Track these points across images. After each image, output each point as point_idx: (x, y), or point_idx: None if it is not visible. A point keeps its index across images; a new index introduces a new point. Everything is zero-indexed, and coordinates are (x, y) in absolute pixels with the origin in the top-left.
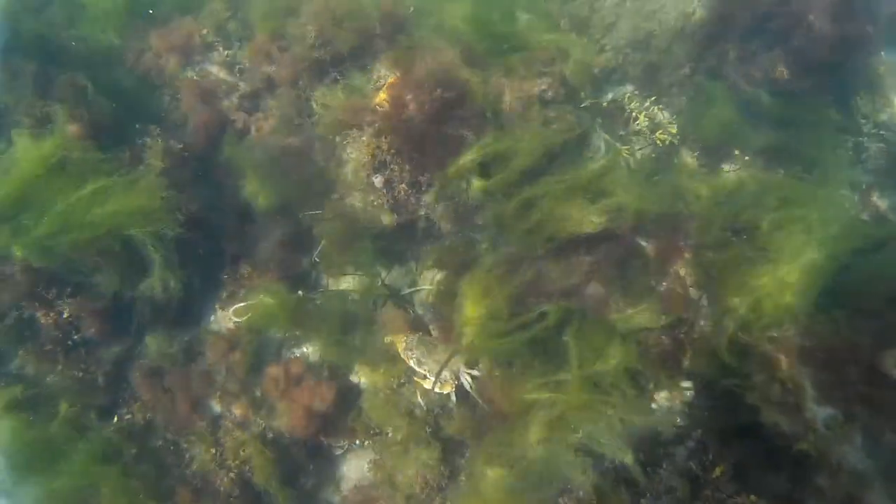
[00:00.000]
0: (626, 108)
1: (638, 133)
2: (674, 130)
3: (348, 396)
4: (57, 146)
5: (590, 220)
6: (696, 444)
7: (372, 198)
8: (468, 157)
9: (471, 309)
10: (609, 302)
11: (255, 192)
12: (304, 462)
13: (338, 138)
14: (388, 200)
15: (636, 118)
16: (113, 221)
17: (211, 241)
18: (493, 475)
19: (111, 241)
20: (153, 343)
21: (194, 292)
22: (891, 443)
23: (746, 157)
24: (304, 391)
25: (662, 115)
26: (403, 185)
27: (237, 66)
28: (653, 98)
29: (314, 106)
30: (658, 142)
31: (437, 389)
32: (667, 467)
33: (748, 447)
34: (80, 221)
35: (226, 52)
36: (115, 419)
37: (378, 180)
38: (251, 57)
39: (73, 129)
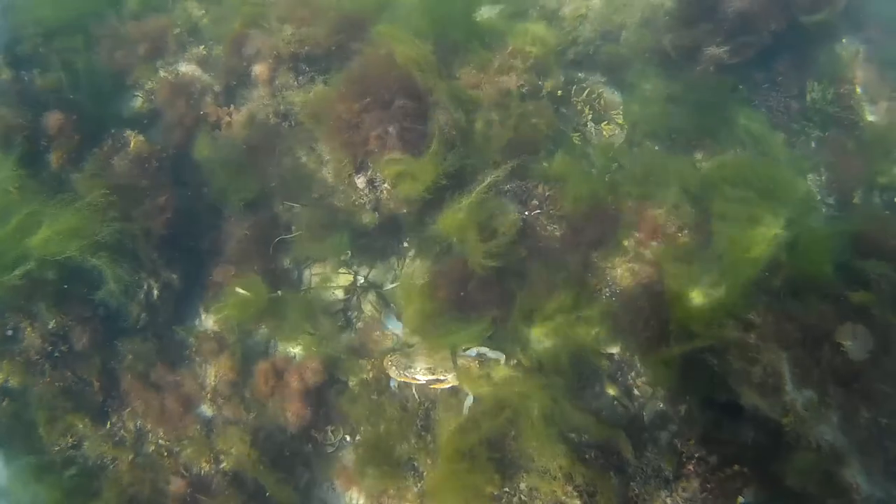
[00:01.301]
0: (573, 99)
1: (585, 125)
2: (620, 121)
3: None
4: None
5: None
6: (678, 426)
7: (354, 197)
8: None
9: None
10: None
11: (224, 188)
12: (298, 457)
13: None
14: (370, 200)
15: (583, 110)
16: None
17: (193, 240)
18: None
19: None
20: (141, 347)
21: (181, 293)
22: (865, 420)
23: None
24: (292, 375)
25: (609, 104)
26: (387, 185)
27: (211, 64)
28: (600, 89)
29: (291, 103)
30: (605, 133)
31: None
32: (652, 450)
33: (729, 426)
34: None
35: (201, 49)
36: (108, 426)
37: (360, 180)
38: (226, 54)
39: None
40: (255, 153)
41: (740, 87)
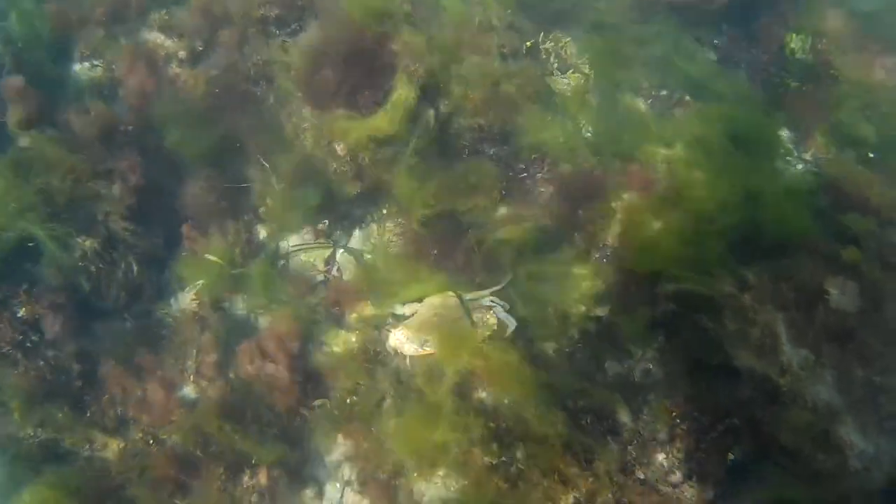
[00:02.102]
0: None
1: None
2: (586, 71)
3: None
4: None
5: None
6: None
7: (335, 165)
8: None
9: None
10: None
11: (179, 142)
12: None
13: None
14: (351, 168)
15: (548, 59)
16: None
17: (165, 210)
18: None
19: None
20: (121, 330)
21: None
22: (859, 378)
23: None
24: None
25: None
26: (367, 154)
27: (175, 29)
28: (566, 39)
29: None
30: (570, 81)
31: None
32: (647, 412)
33: (721, 386)
34: None
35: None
36: (88, 414)
37: (340, 147)
38: (192, 18)
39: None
40: (221, 113)
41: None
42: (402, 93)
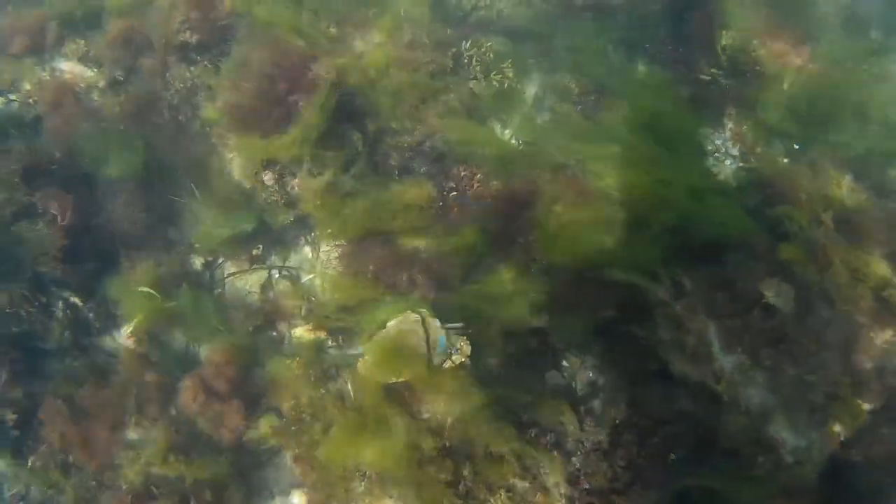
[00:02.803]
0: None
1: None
2: (510, 75)
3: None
4: None
5: None
6: (608, 393)
7: (264, 195)
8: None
9: None
10: None
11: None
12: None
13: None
14: (282, 197)
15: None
16: None
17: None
18: None
19: None
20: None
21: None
22: (791, 377)
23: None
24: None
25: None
26: (297, 181)
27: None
28: (489, 43)
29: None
30: (494, 83)
31: None
32: (589, 422)
33: (659, 392)
34: None
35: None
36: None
37: (268, 177)
38: (111, 47)
39: None
40: (148, 140)
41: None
42: (312, 114)
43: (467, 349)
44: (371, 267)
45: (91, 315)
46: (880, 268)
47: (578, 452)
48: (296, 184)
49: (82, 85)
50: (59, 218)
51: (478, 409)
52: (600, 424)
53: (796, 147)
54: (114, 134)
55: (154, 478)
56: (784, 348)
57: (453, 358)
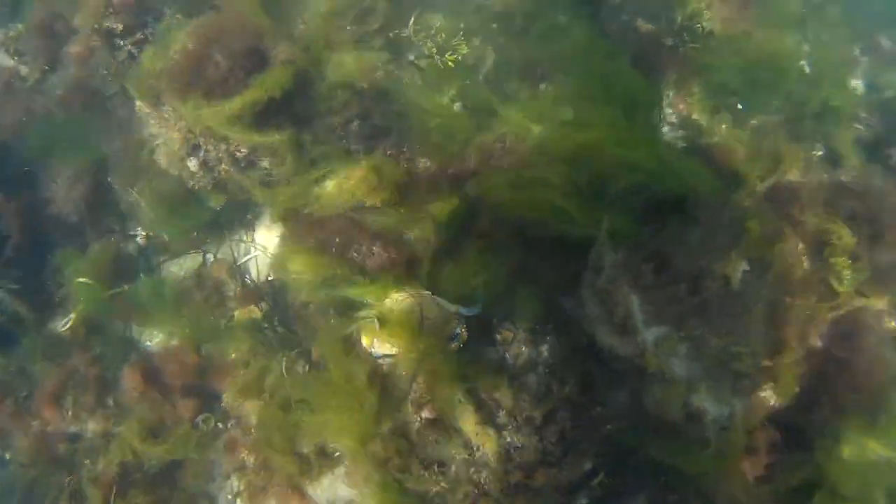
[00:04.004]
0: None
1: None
2: (464, 50)
3: None
4: None
5: None
6: (544, 369)
7: (192, 182)
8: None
9: None
10: None
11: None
12: None
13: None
14: (209, 182)
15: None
16: None
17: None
18: None
19: None
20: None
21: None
22: (714, 348)
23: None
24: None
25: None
26: (224, 167)
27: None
28: (437, 22)
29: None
30: (449, 63)
31: None
32: (523, 397)
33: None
34: None
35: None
36: None
37: (193, 163)
38: (31, 34)
39: None
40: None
41: None
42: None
43: (465, 335)
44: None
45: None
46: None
47: (509, 427)
48: (222, 168)
49: (6, 75)
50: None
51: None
52: (534, 400)
53: (740, 108)
54: (48, 123)
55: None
56: (708, 320)
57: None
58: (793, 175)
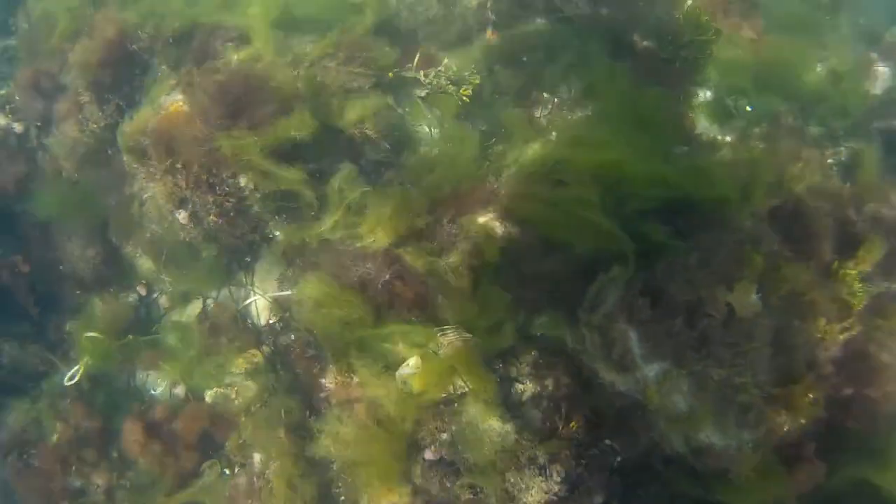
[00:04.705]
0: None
1: (444, 92)
2: (476, 81)
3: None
4: None
5: None
6: (548, 403)
7: (183, 234)
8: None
9: None
10: None
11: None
12: None
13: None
14: (199, 233)
15: (436, 84)
16: None
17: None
18: None
19: None
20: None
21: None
22: (716, 382)
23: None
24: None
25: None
26: (212, 217)
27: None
28: (444, 59)
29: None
30: (464, 98)
31: None
32: (526, 436)
33: (596, 402)
34: None
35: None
36: None
37: (182, 216)
38: (20, 92)
39: None
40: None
41: None
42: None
43: None
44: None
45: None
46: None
47: (512, 468)
48: (212, 220)
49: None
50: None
51: None
52: (537, 439)
53: (749, 109)
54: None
55: None
56: (708, 353)
57: None
58: (807, 183)
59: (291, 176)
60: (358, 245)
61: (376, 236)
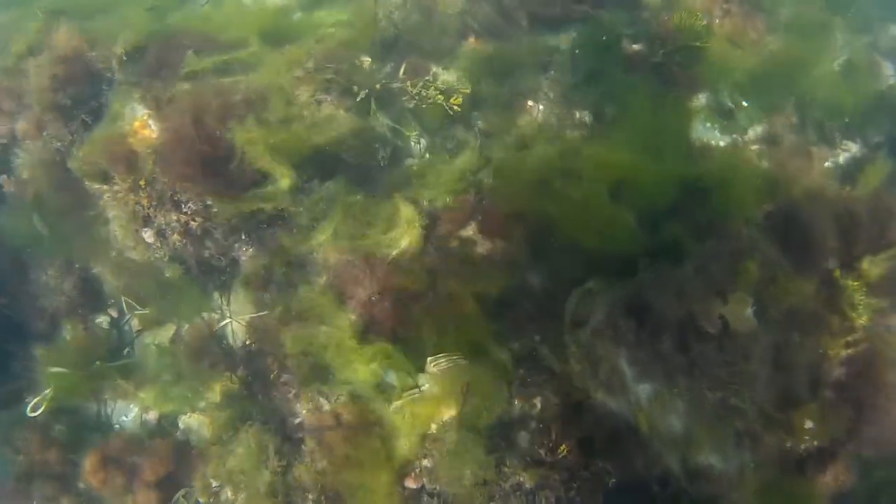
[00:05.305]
0: (406, 86)
1: (433, 104)
2: (467, 90)
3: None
4: None
5: None
6: (537, 425)
7: (148, 254)
8: None
9: None
10: None
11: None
12: None
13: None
14: (166, 253)
15: (424, 94)
16: None
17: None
18: None
19: None
20: None
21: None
22: (712, 402)
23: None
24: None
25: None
26: (176, 236)
27: None
28: (433, 69)
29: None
30: (456, 108)
31: None
32: (510, 462)
33: (588, 422)
34: None
35: None
36: None
37: (148, 235)
38: None
39: None
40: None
41: None
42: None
43: None
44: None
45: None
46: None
47: (497, 497)
48: (175, 239)
49: None
50: None
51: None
52: (521, 465)
53: (745, 104)
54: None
55: None
56: (702, 374)
57: None
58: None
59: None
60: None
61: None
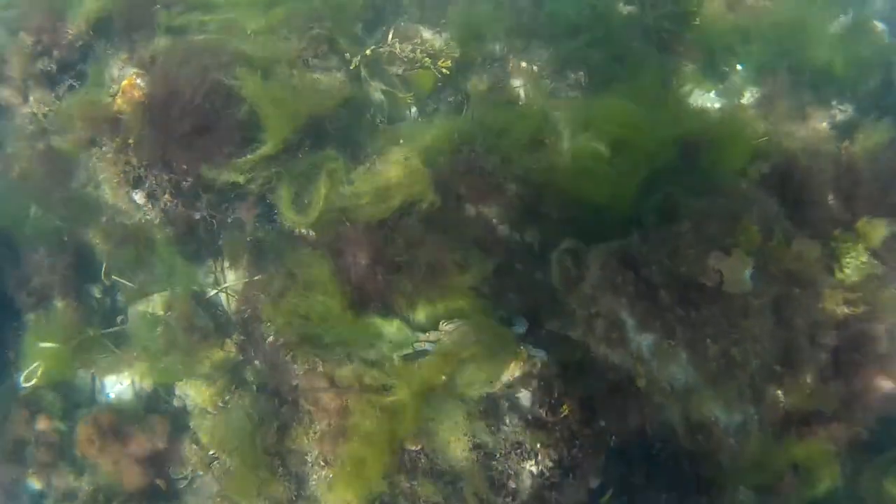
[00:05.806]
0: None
1: (421, 68)
2: (456, 54)
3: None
4: None
5: None
6: (539, 383)
7: (139, 215)
8: None
9: None
10: None
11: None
12: None
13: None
14: (157, 215)
15: (412, 58)
16: None
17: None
18: None
19: None
20: None
21: None
22: (714, 353)
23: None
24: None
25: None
26: (167, 196)
27: None
28: (422, 32)
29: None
30: (445, 71)
31: None
32: (510, 422)
33: (590, 380)
34: None
35: None
36: None
37: (139, 197)
38: None
39: None
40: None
41: None
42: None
43: None
44: None
45: None
46: None
47: (498, 455)
48: (167, 199)
49: None
50: None
51: None
52: (522, 425)
53: (739, 68)
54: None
55: None
56: (704, 325)
57: None
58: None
59: None
60: None
61: None
